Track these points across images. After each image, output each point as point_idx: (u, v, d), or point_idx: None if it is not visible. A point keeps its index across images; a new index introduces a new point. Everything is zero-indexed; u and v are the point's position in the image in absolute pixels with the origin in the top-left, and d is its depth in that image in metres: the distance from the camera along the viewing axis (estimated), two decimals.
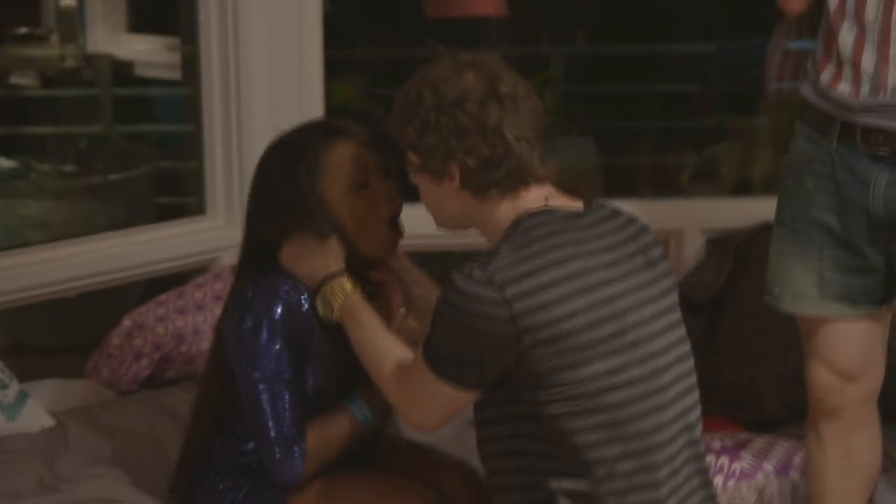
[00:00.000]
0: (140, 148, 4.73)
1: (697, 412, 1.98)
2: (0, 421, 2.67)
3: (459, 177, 1.88)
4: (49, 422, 2.72)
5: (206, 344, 2.84)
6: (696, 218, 3.40)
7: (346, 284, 2.10)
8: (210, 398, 2.24)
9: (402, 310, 2.21)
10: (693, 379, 1.97)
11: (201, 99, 3.30)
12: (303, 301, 2.14)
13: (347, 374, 2.17)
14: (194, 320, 2.98)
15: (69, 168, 4.54)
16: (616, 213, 1.97)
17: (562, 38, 4.95)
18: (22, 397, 2.74)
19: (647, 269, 1.92)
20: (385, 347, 2.02)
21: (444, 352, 1.84)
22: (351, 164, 2.13)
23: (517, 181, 1.88)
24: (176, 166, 4.47)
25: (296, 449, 2.11)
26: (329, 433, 2.14)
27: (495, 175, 1.87)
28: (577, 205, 1.93)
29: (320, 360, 2.16)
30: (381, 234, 2.15)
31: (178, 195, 4.22)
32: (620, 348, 1.84)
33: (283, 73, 3.26)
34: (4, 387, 2.72)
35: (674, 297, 1.97)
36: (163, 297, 3.09)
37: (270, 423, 2.11)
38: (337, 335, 2.12)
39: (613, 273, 1.86)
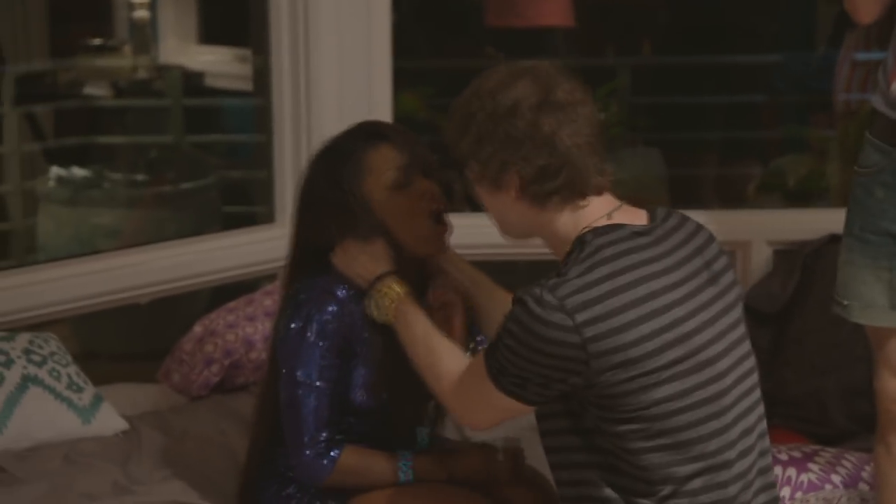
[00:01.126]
0: (209, 158, 4.79)
1: (763, 426, 1.97)
2: (75, 424, 2.72)
3: (517, 186, 1.87)
4: (123, 425, 2.77)
5: None
6: (763, 229, 3.38)
7: (396, 286, 2.12)
8: (269, 404, 2.26)
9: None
10: (757, 394, 1.96)
11: (272, 109, 3.34)
12: (354, 303, 2.17)
13: (397, 381, 2.19)
14: (264, 327, 3.01)
15: (140, 177, 4.61)
16: (681, 224, 1.95)
17: (628, 48, 4.94)
18: (97, 401, 2.78)
19: (711, 284, 1.90)
20: (437, 348, 2.02)
21: (507, 368, 1.84)
22: (392, 165, 2.18)
23: (576, 190, 1.87)
24: (244, 176, 4.52)
25: (330, 454, 2.15)
26: (366, 464, 2.17)
27: (553, 184, 1.85)
28: (641, 218, 1.92)
29: (370, 363, 2.18)
30: (425, 231, 2.18)
31: (246, 204, 4.26)
32: (685, 372, 1.83)
33: (352, 84, 3.29)
34: (80, 390, 2.77)
35: (738, 312, 1.95)
36: (232, 304, 3.13)
37: (306, 424, 2.14)
38: (388, 338, 2.14)
39: (679, 294, 1.85)
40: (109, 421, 2.75)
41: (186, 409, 2.90)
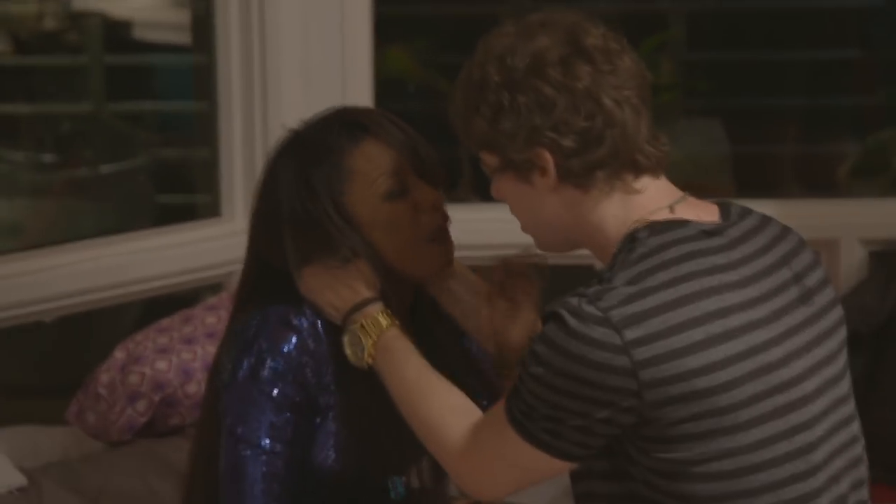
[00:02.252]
0: (138, 132, 4.81)
1: (858, 497, 1.95)
2: None
3: (554, 165, 1.86)
4: (20, 480, 2.78)
5: None
6: (856, 224, 3.43)
7: (381, 318, 2.10)
8: (204, 461, 2.25)
9: None
10: (856, 452, 1.95)
11: (217, 69, 3.36)
12: (322, 340, 2.16)
13: (379, 442, 2.19)
14: (205, 353, 3.03)
15: (48, 157, 4.63)
16: (763, 225, 1.95)
17: None
18: None
19: (802, 303, 1.91)
20: (435, 393, 2.01)
21: (536, 408, 1.83)
22: (382, 169, 2.16)
23: (624, 161, 1.86)
24: (184, 155, 4.54)
25: None
26: None
27: (597, 153, 1.85)
28: (710, 214, 1.92)
29: (342, 418, 2.17)
30: (424, 250, 2.18)
31: (187, 192, 4.28)
32: (768, 416, 1.82)
33: (320, 38, 3.31)
34: None
35: (836, 341, 1.95)
36: (165, 322, 3.15)
37: (251, 498, 2.13)
38: (367, 385, 2.13)
39: (760, 313, 1.85)
40: (3, 475, 2.76)
41: (103, 458, 2.92)
